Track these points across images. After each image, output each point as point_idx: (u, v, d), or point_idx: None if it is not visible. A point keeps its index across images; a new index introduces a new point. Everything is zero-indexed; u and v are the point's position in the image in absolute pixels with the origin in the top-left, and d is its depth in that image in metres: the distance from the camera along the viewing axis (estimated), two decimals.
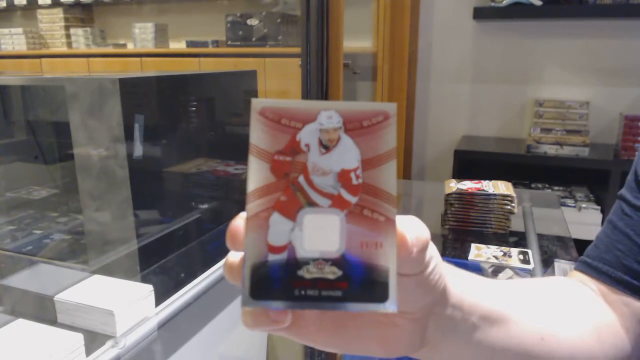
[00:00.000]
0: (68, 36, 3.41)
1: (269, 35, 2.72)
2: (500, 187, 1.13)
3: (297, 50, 1.49)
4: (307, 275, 0.25)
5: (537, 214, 1.20)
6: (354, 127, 0.25)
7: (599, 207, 2.15)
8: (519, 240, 1.07)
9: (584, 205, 2.17)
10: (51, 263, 0.91)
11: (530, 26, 2.42)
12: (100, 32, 3.44)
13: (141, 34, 3.14)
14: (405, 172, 2.60)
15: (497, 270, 0.86)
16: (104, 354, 0.62)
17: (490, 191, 1.10)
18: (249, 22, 2.74)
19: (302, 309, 0.26)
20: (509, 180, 1.17)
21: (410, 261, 0.27)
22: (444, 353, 0.35)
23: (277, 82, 2.46)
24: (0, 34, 3.48)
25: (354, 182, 0.25)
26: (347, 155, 0.25)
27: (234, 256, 0.28)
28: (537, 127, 2.29)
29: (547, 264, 0.90)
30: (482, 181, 1.18)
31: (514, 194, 1.09)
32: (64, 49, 3.41)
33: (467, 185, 1.15)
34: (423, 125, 2.72)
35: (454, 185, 1.15)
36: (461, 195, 1.11)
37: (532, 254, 0.93)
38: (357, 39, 2.58)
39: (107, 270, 0.88)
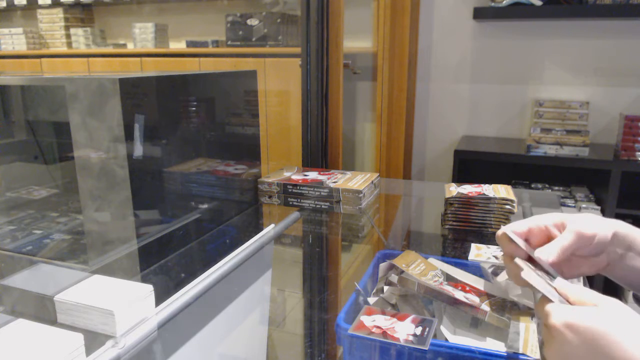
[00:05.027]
0: (68, 36, 3.41)
1: (269, 35, 2.72)
2: (501, 191, 1.13)
3: (297, 50, 1.49)
4: None
5: (537, 214, 1.20)
6: None
7: (599, 207, 2.15)
8: None
9: (584, 205, 2.17)
10: (51, 263, 0.91)
11: (530, 26, 2.42)
12: (100, 32, 3.44)
13: (141, 34, 3.14)
14: (405, 172, 2.60)
15: (497, 270, 0.86)
16: (104, 354, 0.62)
17: (491, 195, 1.10)
18: (249, 22, 2.74)
19: None
20: (509, 181, 1.17)
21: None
22: (618, 272, 0.65)
23: (277, 82, 2.46)
24: (0, 34, 3.48)
25: None
26: None
27: None
28: (537, 127, 2.30)
29: None
30: (482, 185, 1.18)
31: (514, 198, 1.10)
32: (64, 49, 3.41)
33: (468, 189, 1.15)
34: (423, 125, 2.72)
35: (454, 190, 1.15)
36: (462, 197, 1.11)
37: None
38: (357, 39, 2.58)
39: (107, 270, 0.88)
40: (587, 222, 0.63)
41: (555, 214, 0.67)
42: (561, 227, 0.65)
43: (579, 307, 0.50)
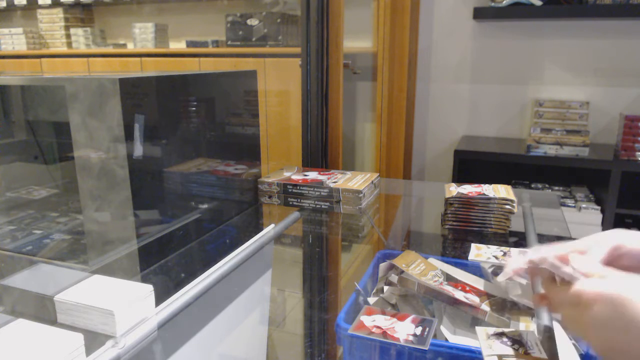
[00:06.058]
0: (68, 36, 3.41)
1: (269, 35, 2.72)
2: (501, 191, 1.14)
3: (297, 50, 1.49)
4: None
5: (537, 214, 1.20)
6: None
7: (599, 207, 2.15)
8: (519, 240, 1.06)
9: (584, 205, 2.17)
10: (51, 263, 0.91)
11: (530, 26, 2.42)
12: (100, 32, 3.44)
13: (141, 34, 3.14)
14: (405, 172, 2.60)
15: (497, 270, 0.86)
16: (104, 354, 0.62)
17: (491, 195, 1.10)
18: (249, 22, 2.74)
19: None
20: (509, 181, 1.17)
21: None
22: None
23: (277, 82, 2.46)
24: (0, 34, 3.48)
25: None
26: None
27: None
28: (537, 127, 2.30)
29: None
30: (482, 185, 1.18)
31: (514, 198, 1.10)
32: (64, 49, 3.41)
33: (468, 189, 1.15)
34: (423, 125, 2.72)
35: (454, 190, 1.15)
36: (462, 197, 1.11)
37: None
38: (357, 39, 2.58)
39: (107, 270, 0.88)
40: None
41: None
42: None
43: (602, 280, 0.51)
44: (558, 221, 1.18)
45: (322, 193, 1.19)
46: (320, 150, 1.51)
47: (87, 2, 3.37)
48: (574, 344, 0.67)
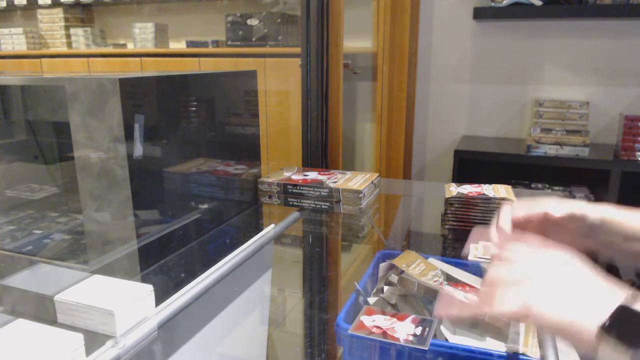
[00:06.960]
0: (68, 36, 3.41)
1: (269, 35, 2.72)
2: (501, 191, 1.14)
3: (297, 50, 1.49)
4: None
5: None
6: None
7: None
8: None
9: None
10: (51, 263, 0.91)
11: (530, 26, 2.42)
12: (100, 32, 3.44)
13: (141, 34, 3.14)
14: (405, 172, 2.60)
15: None
16: (104, 354, 0.62)
17: (491, 195, 1.10)
18: (249, 22, 2.74)
19: None
20: (509, 181, 1.17)
21: None
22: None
23: (277, 82, 2.46)
24: (0, 34, 3.48)
25: None
26: None
27: None
28: (537, 127, 2.29)
29: None
30: (482, 185, 1.18)
31: (514, 198, 1.10)
32: (64, 49, 3.41)
33: (468, 189, 1.15)
34: (423, 125, 2.72)
35: (454, 190, 1.15)
36: (462, 197, 1.11)
37: None
38: (357, 39, 2.58)
39: (107, 270, 0.88)
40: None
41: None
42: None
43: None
44: None
45: (322, 193, 1.19)
46: (320, 150, 1.51)
47: (87, 2, 3.37)
48: None
